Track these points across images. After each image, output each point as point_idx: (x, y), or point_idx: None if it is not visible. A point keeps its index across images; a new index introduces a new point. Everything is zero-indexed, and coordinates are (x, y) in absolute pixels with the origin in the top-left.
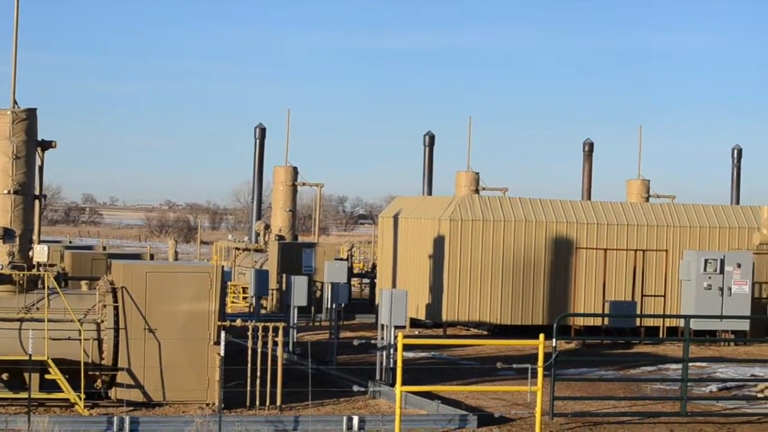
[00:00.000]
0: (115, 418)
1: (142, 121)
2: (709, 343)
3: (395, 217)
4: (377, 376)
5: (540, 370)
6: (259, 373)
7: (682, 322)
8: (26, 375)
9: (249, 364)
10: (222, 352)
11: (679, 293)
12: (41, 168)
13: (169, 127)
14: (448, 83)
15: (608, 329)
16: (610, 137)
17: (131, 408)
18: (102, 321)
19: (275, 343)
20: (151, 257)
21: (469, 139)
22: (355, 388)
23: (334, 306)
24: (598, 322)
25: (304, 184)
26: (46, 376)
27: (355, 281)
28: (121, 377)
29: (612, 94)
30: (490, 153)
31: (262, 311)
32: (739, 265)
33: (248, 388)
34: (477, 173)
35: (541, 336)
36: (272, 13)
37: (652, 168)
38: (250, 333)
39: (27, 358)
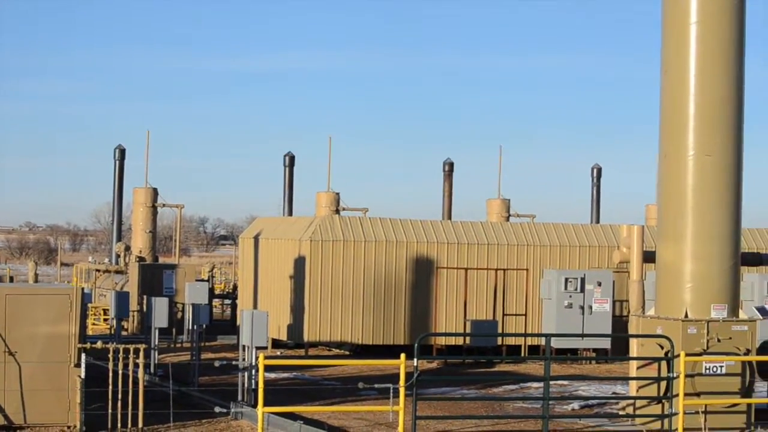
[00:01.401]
0: None
1: None
2: (571, 362)
3: (256, 238)
4: (239, 397)
5: (402, 390)
6: (120, 396)
7: (543, 341)
8: None
9: (110, 387)
10: (83, 375)
11: (541, 312)
12: None
13: (29, 148)
14: (308, 104)
15: (470, 348)
16: (471, 157)
17: None
18: None
19: (136, 365)
20: (11, 279)
21: (329, 159)
22: (217, 409)
23: (195, 327)
24: (459, 341)
25: (164, 205)
26: None
27: (216, 302)
28: None
29: (472, 114)
30: (351, 173)
31: (123, 333)
32: (599, 284)
33: (110, 410)
34: (337, 194)
35: (403, 356)
36: (129, 34)
37: (513, 187)
38: (111, 355)
39: None
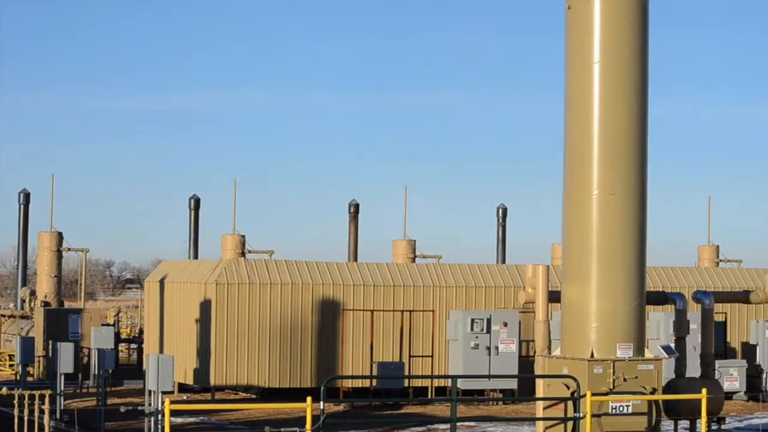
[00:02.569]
0: None
1: None
2: (478, 403)
3: (161, 282)
4: None
5: None
6: None
7: (450, 382)
8: None
9: None
10: None
11: (447, 353)
12: None
13: None
14: (213, 145)
15: (377, 390)
16: (376, 198)
17: None
18: None
19: (42, 411)
20: None
21: (235, 201)
22: None
23: (101, 372)
24: (366, 383)
25: (69, 249)
26: None
27: (122, 346)
28: None
29: (377, 155)
30: (257, 215)
31: (29, 379)
32: (505, 324)
33: None
34: (243, 236)
35: (309, 399)
36: (32, 75)
37: (418, 228)
38: (16, 401)
39: None
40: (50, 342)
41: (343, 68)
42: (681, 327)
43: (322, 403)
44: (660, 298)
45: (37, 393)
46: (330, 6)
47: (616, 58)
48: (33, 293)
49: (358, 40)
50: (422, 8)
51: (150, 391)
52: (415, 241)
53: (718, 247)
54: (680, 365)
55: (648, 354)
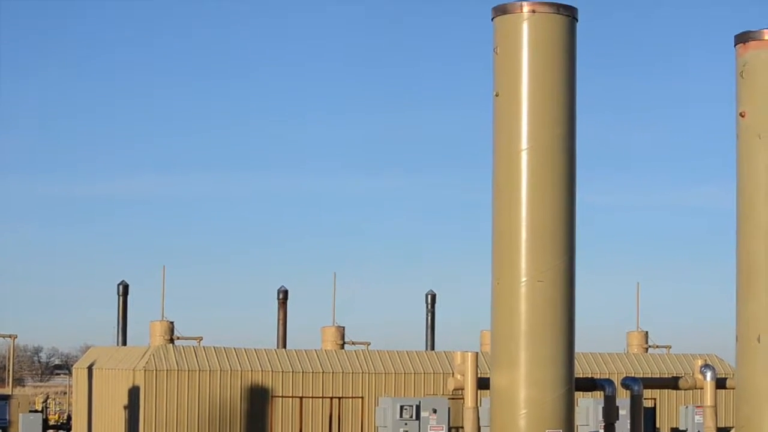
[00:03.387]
0: None
1: None
2: None
3: (90, 368)
4: None
5: None
6: None
7: None
8: None
9: None
10: None
11: None
12: None
13: None
14: (141, 231)
15: None
16: (305, 284)
17: None
18: None
19: None
20: None
21: (163, 287)
22: None
23: None
24: None
25: None
26: None
27: None
28: None
29: (307, 240)
30: (185, 302)
31: None
32: (434, 411)
33: None
34: (171, 322)
35: None
36: None
37: (348, 315)
38: None
39: None
40: None
41: (267, 150)
42: (610, 413)
43: None
44: (589, 385)
45: None
46: (250, 89)
47: (544, 145)
48: None
49: (279, 123)
50: (325, 93)
51: None
52: (343, 327)
53: (647, 333)
54: None
55: None
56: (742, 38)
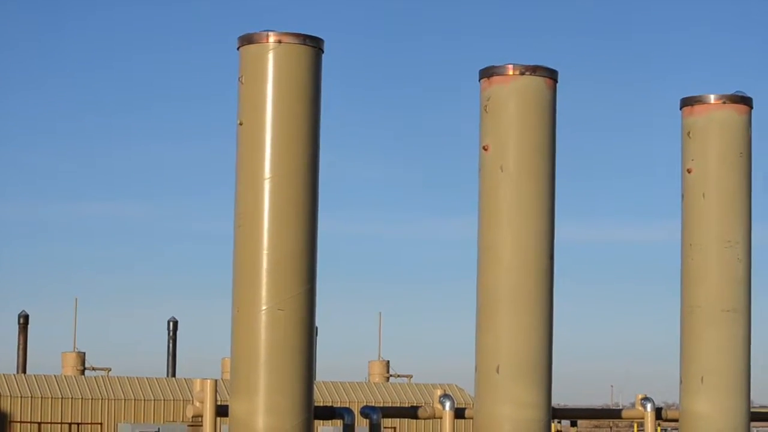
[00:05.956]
0: None
1: None
2: None
3: None
4: None
5: None
6: None
7: None
8: None
9: None
10: None
11: None
12: None
13: None
14: None
15: None
16: (47, 309)
17: None
18: None
19: None
20: None
21: None
22: None
23: None
24: None
25: None
26: None
27: None
28: None
29: (47, 265)
30: None
31: None
32: None
33: None
34: None
35: None
36: None
37: (89, 340)
38: None
39: None
40: None
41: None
42: None
43: None
44: (328, 413)
45: None
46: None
47: (287, 175)
48: None
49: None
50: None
51: None
52: (84, 353)
53: (388, 362)
54: None
55: None
56: (486, 73)
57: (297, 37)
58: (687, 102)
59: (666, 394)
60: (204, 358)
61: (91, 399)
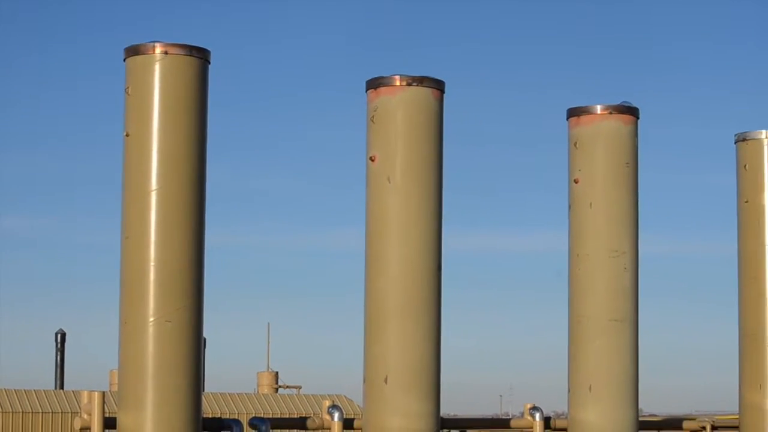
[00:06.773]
0: None
1: None
2: None
3: None
4: None
5: None
6: None
7: None
8: None
9: None
10: None
11: None
12: None
13: None
14: None
15: None
16: None
17: None
18: None
19: None
20: None
21: None
22: None
23: None
24: None
25: None
26: None
27: None
28: None
29: None
30: None
31: None
32: None
33: None
34: None
35: None
36: None
37: None
38: None
39: None
40: None
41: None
42: None
43: None
44: (216, 425)
45: None
46: None
47: (173, 187)
48: None
49: None
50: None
51: None
52: None
53: (277, 373)
54: None
55: None
56: (373, 84)
57: (183, 48)
58: (573, 112)
59: (555, 404)
60: (92, 371)
61: None
